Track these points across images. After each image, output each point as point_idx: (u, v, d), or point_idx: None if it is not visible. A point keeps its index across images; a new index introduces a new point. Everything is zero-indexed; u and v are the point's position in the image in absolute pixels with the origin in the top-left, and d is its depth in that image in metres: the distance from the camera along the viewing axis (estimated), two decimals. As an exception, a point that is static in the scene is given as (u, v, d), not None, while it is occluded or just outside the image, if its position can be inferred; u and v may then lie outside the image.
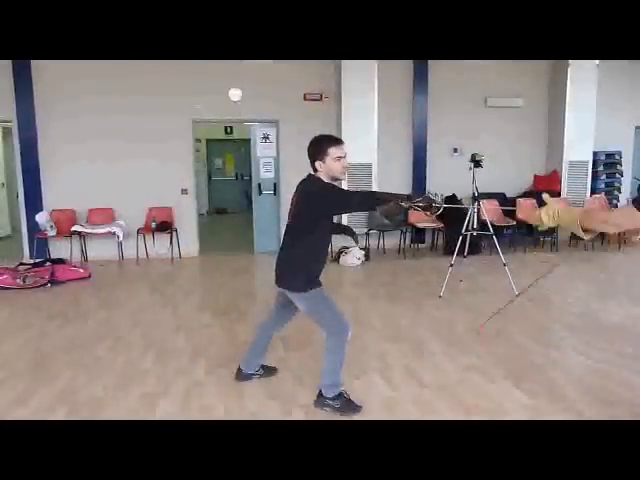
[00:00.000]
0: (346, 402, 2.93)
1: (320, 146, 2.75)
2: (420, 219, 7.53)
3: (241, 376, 3.33)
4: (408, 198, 2.54)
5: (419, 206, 2.53)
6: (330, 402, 2.92)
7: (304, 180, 2.84)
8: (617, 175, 8.44)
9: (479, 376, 3.36)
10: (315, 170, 2.79)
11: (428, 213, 2.60)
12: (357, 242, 3.28)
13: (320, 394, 2.97)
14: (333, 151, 2.71)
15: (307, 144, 2.84)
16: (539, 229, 2.19)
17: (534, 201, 7.87)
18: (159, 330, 4.41)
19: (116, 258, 7.33)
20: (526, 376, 3.34)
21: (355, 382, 3.31)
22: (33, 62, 6.97)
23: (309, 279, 2.85)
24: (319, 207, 2.70)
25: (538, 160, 8.54)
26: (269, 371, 3.42)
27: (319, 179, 2.76)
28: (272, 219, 7.98)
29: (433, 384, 3.26)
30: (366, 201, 2.70)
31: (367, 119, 7.46)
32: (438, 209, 2.57)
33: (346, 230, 3.19)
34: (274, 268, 2.96)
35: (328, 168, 2.73)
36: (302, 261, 2.84)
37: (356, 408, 2.93)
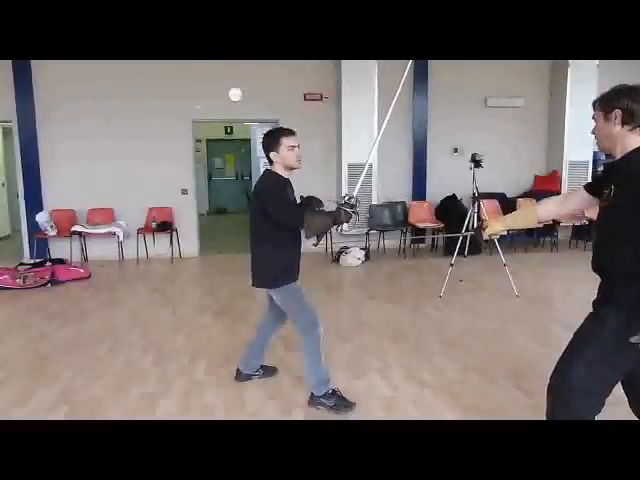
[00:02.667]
0: (339, 399, 2.96)
1: (273, 137, 2.83)
2: (421, 219, 7.54)
3: (240, 377, 3.34)
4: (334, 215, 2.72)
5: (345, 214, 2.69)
6: (323, 400, 2.95)
7: (262, 175, 2.95)
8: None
9: (479, 376, 3.36)
10: (271, 162, 2.87)
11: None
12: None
13: (312, 395, 2.99)
14: (285, 141, 2.79)
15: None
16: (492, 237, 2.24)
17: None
18: (159, 330, 4.41)
19: (116, 258, 7.33)
20: (526, 376, 3.34)
21: (355, 382, 3.31)
22: (33, 62, 6.98)
23: (278, 274, 2.88)
24: (262, 202, 2.78)
25: (538, 160, 8.54)
26: (269, 371, 3.43)
27: (272, 173, 2.86)
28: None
29: (433, 384, 3.26)
30: (290, 220, 2.78)
31: (367, 119, 7.46)
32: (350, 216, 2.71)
33: (309, 200, 3.12)
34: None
35: (283, 158, 2.81)
36: (269, 257, 2.89)
37: (350, 404, 2.95)
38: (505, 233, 2.44)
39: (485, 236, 2.44)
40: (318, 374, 2.96)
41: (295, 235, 2.93)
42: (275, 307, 3.11)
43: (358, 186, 2.92)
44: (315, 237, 2.79)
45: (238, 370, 3.35)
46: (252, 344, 3.33)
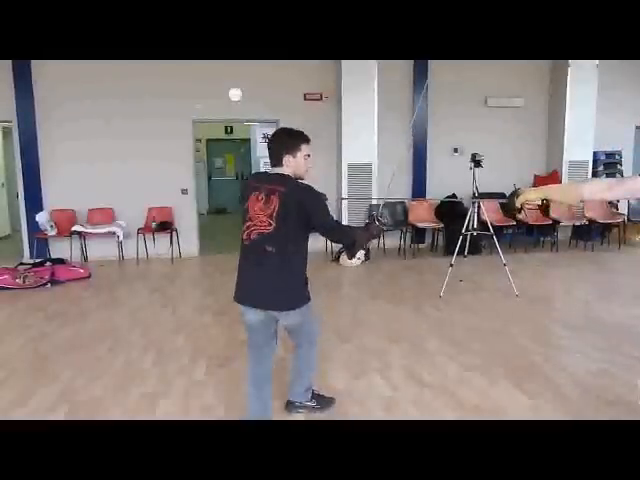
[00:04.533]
0: (320, 398, 2.95)
1: (293, 140, 2.54)
2: (421, 218, 7.54)
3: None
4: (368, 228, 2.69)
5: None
6: (308, 403, 2.92)
7: (274, 178, 2.52)
8: (617, 175, 8.43)
9: (479, 376, 3.36)
10: (279, 164, 2.53)
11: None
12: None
13: (289, 402, 2.93)
14: (305, 147, 2.54)
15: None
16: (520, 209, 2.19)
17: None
18: (159, 330, 4.41)
19: (116, 258, 7.33)
20: (526, 376, 3.34)
21: (355, 382, 3.31)
22: (33, 62, 6.98)
23: (304, 293, 2.61)
24: (310, 219, 2.46)
25: (538, 160, 8.54)
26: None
27: (302, 184, 2.52)
28: (272, 219, 7.97)
29: (433, 384, 3.26)
30: (338, 232, 2.64)
31: (367, 119, 7.46)
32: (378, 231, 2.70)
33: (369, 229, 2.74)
34: (254, 287, 2.61)
35: (297, 164, 2.51)
36: (297, 277, 2.56)
37: (331, 400, 2.97)
38: (539, 203, 2.37)
39: (518, 203, 2.41)
40: (309, 382, 2.92)
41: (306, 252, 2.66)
42: (272, 340, 2.74)
43: (390, 182, 3.15)
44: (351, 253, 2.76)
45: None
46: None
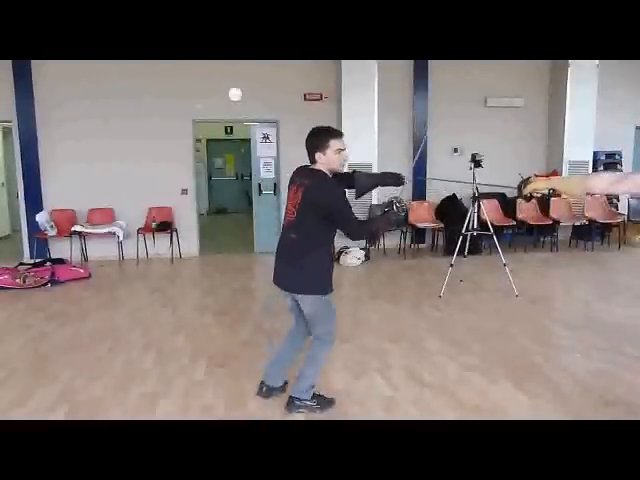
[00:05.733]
0: (320, 398, 2.95)
1: (321, 138, 2.66)
2: (421, 218, 7.54)
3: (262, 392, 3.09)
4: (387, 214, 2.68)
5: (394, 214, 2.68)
6: (308, 403, 2.90)
7: (308, 174, 2.69)
8: (617, 175, 8.44)
9: (479, 376, 3.36)
10: (313, 161, 2.70)
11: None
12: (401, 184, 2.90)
13: (291, 398, 2.91)
14: (334, 143, 2.64)
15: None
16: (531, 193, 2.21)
17: (534, 201, 7.87)
18: (159, 330, 4.41)
19: (116, 258, 7.33)
20: (526, 376, 3.34)
21: (355, 382, 3.31)
22: (33, 62, 6.97)
23: (325, 283, 2.75)
24: (327, 212, 2.60)
25: (538, 160, 8.53)
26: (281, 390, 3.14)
27: (326, 175, 2.66)
28: (272, 219, 7.98)
29: (433, 384, 3.26)
30: (359, 232, 2.75)
31: (367, 119, 7.46)
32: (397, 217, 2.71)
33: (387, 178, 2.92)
34: (279, 269, 2.82)
35: (328, 160, 2.65)
36: (318, 263, 2.70)
37: (331, 400, 2.97)
38: (546, 192, 2.41)
39: (526, 191, 2.43)
40: (316, 379, 2.93)
41: (333, 240, 2.89)
42: (299, 323, 2.95)
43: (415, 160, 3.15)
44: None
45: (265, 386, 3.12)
46: (277, 354, 3.12)
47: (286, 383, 3.12)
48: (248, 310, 4.93)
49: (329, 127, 2.73)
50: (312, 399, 2.93)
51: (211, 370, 3.53)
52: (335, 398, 3.02)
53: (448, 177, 7.76)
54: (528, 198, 2.50)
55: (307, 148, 2.70)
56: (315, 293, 2.71)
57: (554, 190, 2.41)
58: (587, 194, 2.55)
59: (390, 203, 2.67)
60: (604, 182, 2.30)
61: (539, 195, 2.50)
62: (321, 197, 2.60)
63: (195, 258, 7.70)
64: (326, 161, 2.66)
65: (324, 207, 2.59)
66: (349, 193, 2.90)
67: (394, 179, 2.87)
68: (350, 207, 2.63)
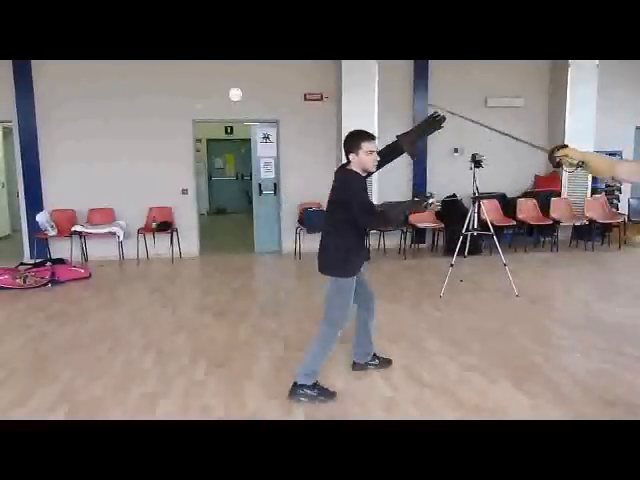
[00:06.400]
0: (322, 389, 3.05)
1: (354, 140, 2.95)
2: (421, 219, 7.54)
3: (358, 367, 3.45)
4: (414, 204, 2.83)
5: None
6: (308, 391, 3.01)
7: (340, 171, 3.04)
8: (617, 175, 8.43)
9: (479, 376, 3.36)
10: (348, 161, 2.99)
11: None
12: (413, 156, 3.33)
13: (295, 385, 3.04)
14: (366, 145, 2.91)
15: (307, 144, 2.89)
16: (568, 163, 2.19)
17: (535, 201, 7.87)
18: (159, 330, 4.41)
19: (116, 258, 7.33)
20: (526, 376, 3.34)
21: (355, 382, 3.31)
22: (33, 62, 6.97)
23: (345, 267, 2.97)
24: (346, 202, 2.86)
25: (538, 160, 8.52)
26: (385, 362, 3.50)
27: (352, 171, 2.95)
28: (272, 219, 7.98)
29: (433, 384, 3.26)
30: (377, 223, 3.00)
31: (367, 119, 7.45)
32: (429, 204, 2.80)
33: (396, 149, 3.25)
34: (318, 253, 3.11)
35: (360, 160, 2.93)
36: (340, 248, 2.97)
37: (332, 394, 3.07)
38: (575, 162, 2.42)
39: (558, 154, 2.45)
40: (317, 365, 3.05)
41: (363, 232, 3.12)
42: (359, 292, 3.17)
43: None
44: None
45: (354, 362, 3.46)
46: (357, 332, 3.40)
47: (375, 355, 3.47)
48: (248, 310, 4.93)
49: (362, 130, 3.02)
50: (313, 388, 3.01)
51: (211, 370, 3.53)
52: (336, 392, 3.08)
53: (448, 177, 7.82)
54: (557, 164, 2.53)
55: (344, 149, 3.01)
56: (333, 274, 2.99)
57: (584, 164, 2.39)
58: (612, 178, 2.56)
59: (421, 194, 2.84)
60: (633, 170, 2.31)
61: (567, 164, 2.50)
62: (341, 190, 2.93)
63: (195, 258, 7.70)
64: (358, 161, 2.94)
65: (343, 199, 2.88)
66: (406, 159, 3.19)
67: (432, 124, 3.23)
68: (365, 201, 2.88)
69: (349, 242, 2.99)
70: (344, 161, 3.09)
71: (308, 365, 3.05)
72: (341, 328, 3.04)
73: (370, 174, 3.06)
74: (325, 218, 3.12)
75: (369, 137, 2.96)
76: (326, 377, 3.37)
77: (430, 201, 2.76)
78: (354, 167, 2.96)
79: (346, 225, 2.93)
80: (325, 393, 3.06)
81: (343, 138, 3.04)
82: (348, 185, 2.91)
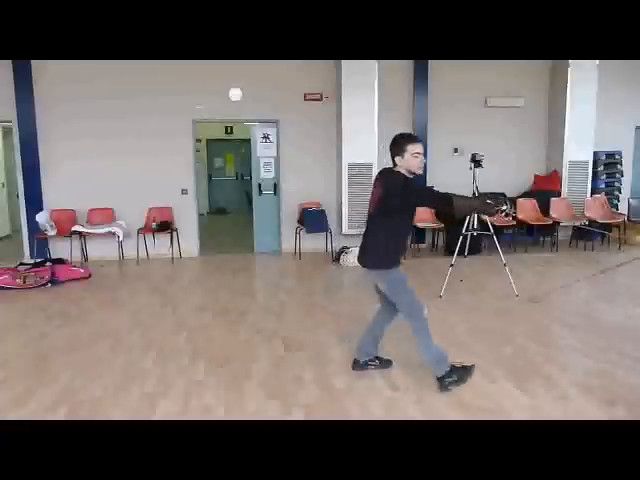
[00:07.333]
0: (460, 370, 3.15)
1: (399, 143, 3.02)
2: (420, 218, 7.54)
3: (357, 366, 3.46)
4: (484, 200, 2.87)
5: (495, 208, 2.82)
6: (448, 379, 3.10)
7: (385, 173, 3.10)
8: (617, 175, 8.44)
9: (479, 376, 3.36)
10: (395, 165, 3.05)
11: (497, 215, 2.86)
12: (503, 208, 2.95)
13: (437, 379, 3.12)
14: (412, 147, 2.97)
15: (307, 144, 2.91)
16: None
17: (534, 201, 7.87)
18: (159, 330, 4.41)
19: (116, 258, 7.33)
20: (526, 376, 3.34)
21: (355, 382, 3.31)
22: (33, 62, 6.97)
23: (389, 259, 3.10)
24: (398, 199, 2.94)
25: (538, 160, 8.54)
26: (385, 363, 3.52)
27: (399, 173, 3.02)
28: (272, 219, 7.98)
29: (433, 384, 3.26)
30: (440, 200, 3.00)
31: (367, 119, 7.46)
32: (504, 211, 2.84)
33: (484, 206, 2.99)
34: (360, 251, 3.24)
35: (406, 163, 2.99)
36: (383, 244, 3.09)
37: (471, 368, 3.20)
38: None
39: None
40: (435, 351, 3.12)
41: (407, 231, 3.26)
42: (384, 300, 3.31)
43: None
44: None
45: (355, 360, 3.48)
46: (366, 330, 3.47)
47: (377, 358, 3.50)
48: (248, 310, 4.93)
49: (409, 133, 3.14)
50: (451, 375, 3.11)
51: (211, 370, 3.53)
52: (474, 365, 3.22)
53: (448, 177, 7.82)
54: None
55: (390, 152, 3.07)
56: (381, 268, 3.12)
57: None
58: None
59: (495, 198, 2.85)
60: None
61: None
62: (391, 186, 2.97)
63: (195, 258, 7.70)
64: (404, 164, 3.00)
65: (393, 195, 2.93)
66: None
67: (489, 210, 2.95)
68: (422, 187, 2.98)
69: (392, 239, 3.09)
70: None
71: (430, 356, 3.12)
72: (422, 310, 3.12)
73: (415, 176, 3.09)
74: (369, 218, 3.18)
75: (414, 140, 3.02)
76: (326, 377, 3.38)
77: (504, 207, 2.76)
78: (401, 170, 3.02)
79: (390, 224, 3.04)
80: (465, 372, 3.16)
81: (390, 141, 3.08)
82: (400, 181, 2.97)
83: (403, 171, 3.02)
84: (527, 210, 7.77)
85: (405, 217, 3.13)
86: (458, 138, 8.13)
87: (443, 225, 7.52)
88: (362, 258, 3.23)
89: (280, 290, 5.84)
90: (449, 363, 3.13)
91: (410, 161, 2.98)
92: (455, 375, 3.12)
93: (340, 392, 3.15)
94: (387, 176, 3.08)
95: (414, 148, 2.97)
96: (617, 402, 2.97)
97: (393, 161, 3.06)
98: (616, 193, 8.49)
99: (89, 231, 7.11)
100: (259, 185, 7.94)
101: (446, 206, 2.91)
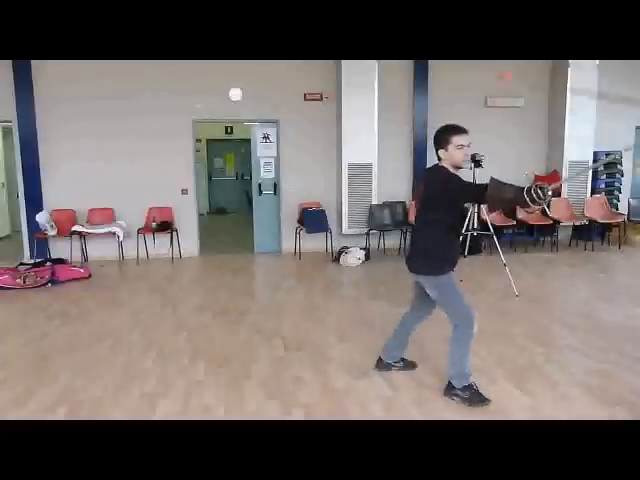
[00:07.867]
0: (474, 394, 2.98)
1: (443, 135, 2.83)
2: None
3: (381, 365, 3.43)
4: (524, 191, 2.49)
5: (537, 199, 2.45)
6: (459, 392, 2.99)
7: (430, 169, 2.95)
8: (617, 175, 8.44)
9: (479, 376, 3.35)
10: (439, 159, 2.86)
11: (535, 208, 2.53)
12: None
13: (449, 384, 3.05)
14: (456, 139, 2.77)
15: (307, 144, 2.87)
16: None
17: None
18: (159, 330, 4.41)
19: (116, 258, 7.33)
20: (526, 376, 3.34)
21: (355, 382, 3.31)
22: (33, 62, 6.97)
23: (440, 264, 2.92)
24: (445, 195, 2.78)
25: (538, 160, 8.53)
26: (409, 365, 3.48)
27: (443, 168, 2.83)
28: (272, 219, 7.98)
29: (433, 384, 3.26)
30: (483, 193, 2.64)
31: (367, 119, 7.46)
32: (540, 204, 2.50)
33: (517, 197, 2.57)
34: (408, 253, 3.11)
35: (451, 156, 2.79)
36: (433, 246, 2.91)
37: (485, 400, 2.97)
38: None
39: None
40: (461, 366, 3.00)
41: (457, 229, 3.08)
42: (421, 301, 3.20)
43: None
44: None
45: (379, 358, 3.44)
46: (394, 333, 3.38)
47: (405, 361, 3.45)
48: (248, 310, 4.93)
49: (452, 124, 2.86)
50: (465, 391, 2.97)
51: (211, 370, 3.53)
52: (489, 400, 2.96)
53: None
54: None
55: (434, 146, 2.88)
56: (430, 274, 2.95)
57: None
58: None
59: (536, 187, 2.46)
60: None
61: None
62: (437, 183, 2.80)
63: (195, 258, 7.70)
64: (449, 157, 2.80)
65: (439, 192, 2.78)
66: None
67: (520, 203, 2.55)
68: (468, 182, 2.81)
69: (443, 240, 2.91)
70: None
71: (455, 368, 3.01)
72: (473, 325, 2.97)
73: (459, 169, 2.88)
74: (416, 218, 3.08)
75: (459, 131, 2.81)
76: (326, 377, 3.38)
77: (542, 202, 2.42)
78: (445, 164, 2.83)
79: (439, 223, 2.86)
80: (477, 398, 2.96)
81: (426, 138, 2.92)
82: (446, 178, 2.78)
83: (447, 165, 2.82)
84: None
85: (453, 218, 2.91)
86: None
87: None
88: (409, 261, 3.07)
89: (280, 290, 5.84)
90: (469, 380, 3.01)
91: (454, 154, 2.78)
92: (467, 393, 2.98)
93: (340, 392, 3.15)
94: (430, 173, 2.92)
95: (458, 140, 2.76)
96: (617, 402, 2.97)
97: (437, 155, 2.86)
98: (616, 193, 8.49)
99: (89, 231, 7.11)
100: (259, 185, 7.94)
101: (486, 197, 2.65)
